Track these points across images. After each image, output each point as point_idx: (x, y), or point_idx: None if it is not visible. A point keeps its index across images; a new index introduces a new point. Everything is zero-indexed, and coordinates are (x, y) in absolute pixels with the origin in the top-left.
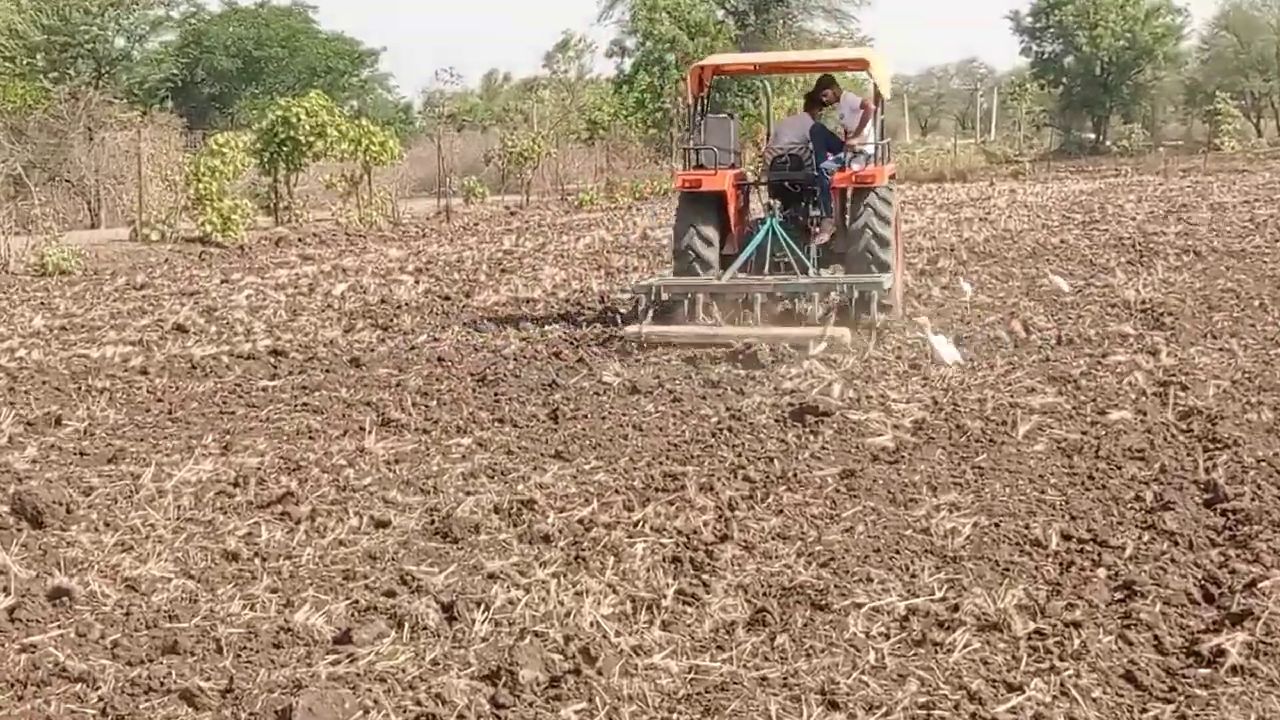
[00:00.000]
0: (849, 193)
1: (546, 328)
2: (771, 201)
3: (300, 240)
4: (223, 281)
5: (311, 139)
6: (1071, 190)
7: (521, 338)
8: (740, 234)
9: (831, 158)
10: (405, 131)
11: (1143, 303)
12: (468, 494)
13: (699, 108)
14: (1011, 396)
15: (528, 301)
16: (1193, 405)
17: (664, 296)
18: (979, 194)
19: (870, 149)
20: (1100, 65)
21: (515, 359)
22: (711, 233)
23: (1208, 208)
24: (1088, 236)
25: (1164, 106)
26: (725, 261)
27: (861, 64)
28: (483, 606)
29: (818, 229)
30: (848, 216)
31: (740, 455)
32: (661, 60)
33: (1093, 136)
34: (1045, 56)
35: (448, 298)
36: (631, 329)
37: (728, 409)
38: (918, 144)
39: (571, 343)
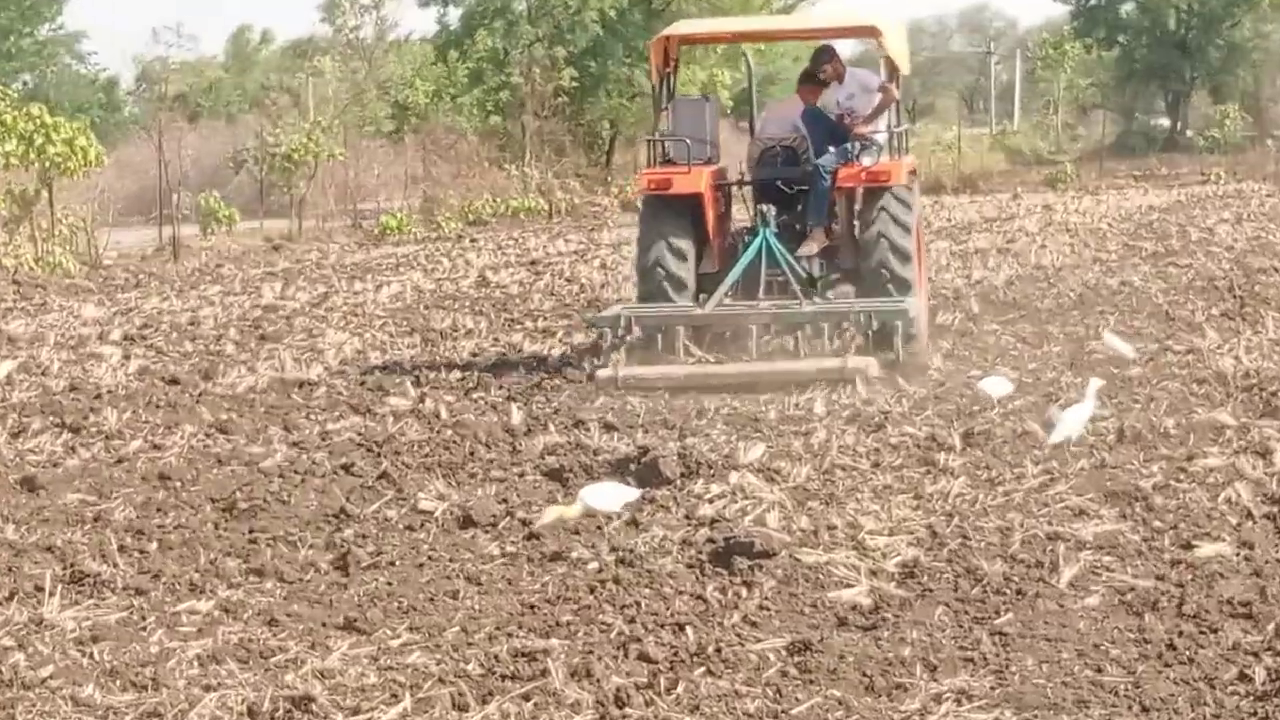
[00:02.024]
0: (858, 194)
1: (331, 427)
2: (762, 207)
3: None
4: None
5: None
6: (1136, 205)
7: (292, 442)
8: (722, 247)
9: (833, 150)
10: (108, 123)
11: (1246, 376)
12: (207, 689)
13: (665, 88)
14: (1050, 523)
15: (301, 386)
16: None
17: (635, 330)
18: (998, 211)
19: (881, 138)
20: (1176, 15)
21: (282, 475)
22: (686, 246)
23: None
24: (1162, 275)
25: (1273, 77)
26: (702, 283)
27: (871, 32)
28: None
29: (808, 237)
30: (857, 224)
31: (634, 621)
32: (508, 10)
33: (1166, 123)
34: (1092, 2)
35: (175, 381)
36: (604, 372)
37: (614, 549)
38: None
39: (372, 450)
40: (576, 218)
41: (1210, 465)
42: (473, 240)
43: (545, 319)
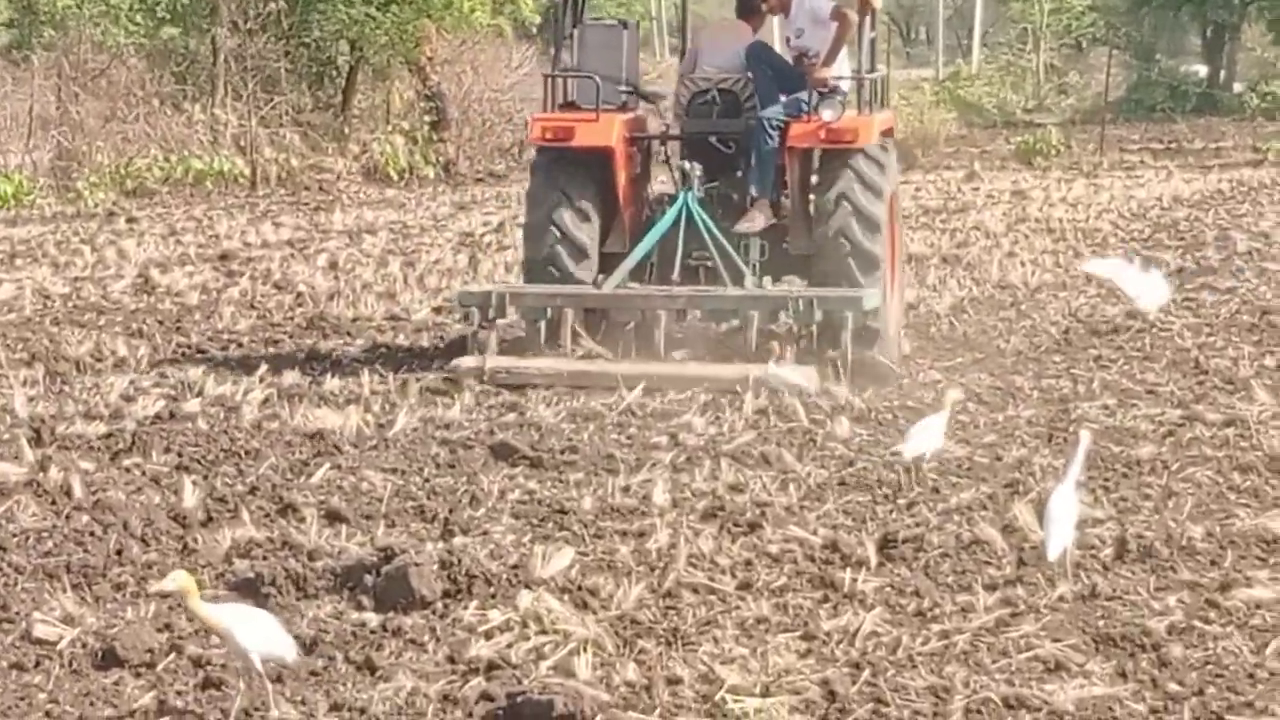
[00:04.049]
0: (815, 156)
1: None
2: (687, 166)
3: None
4: None
5: None
6: (1154, 195)
7: None
8: (635, 220)
9: (782, 99)
10: None
11: None
12: None
13: (570, 8)
14: (1010, 682)
15: None
16: None
17: (509, 312)
18: (944, 198)
19: (847, 85)
20: None
21: None
22: (588, 213)
23: None
24: (1190, 304)
25: None
26: (607, 264)
27: None
28: None
29: (749, 210)
30: (812, 194)
31: None
32: None
33: (1203, 72)
34: None
35: None
36: (468, 362)
37: (336, 706)
38: None
39: None
40: (294, 189)
41: (1256, 598)
42: (131, 220)
43: (240, 344)
